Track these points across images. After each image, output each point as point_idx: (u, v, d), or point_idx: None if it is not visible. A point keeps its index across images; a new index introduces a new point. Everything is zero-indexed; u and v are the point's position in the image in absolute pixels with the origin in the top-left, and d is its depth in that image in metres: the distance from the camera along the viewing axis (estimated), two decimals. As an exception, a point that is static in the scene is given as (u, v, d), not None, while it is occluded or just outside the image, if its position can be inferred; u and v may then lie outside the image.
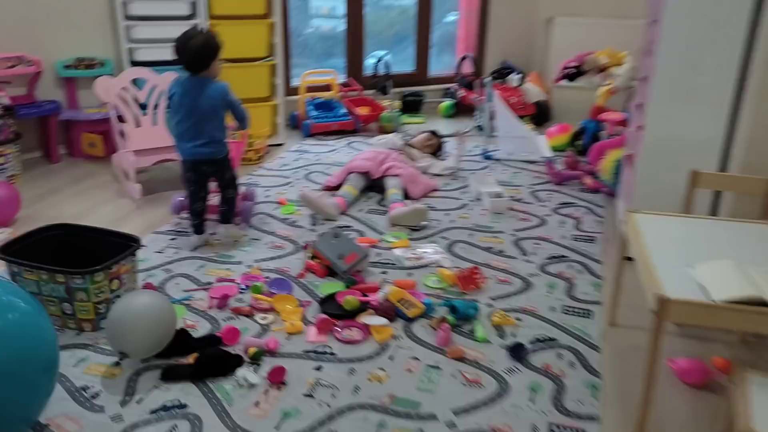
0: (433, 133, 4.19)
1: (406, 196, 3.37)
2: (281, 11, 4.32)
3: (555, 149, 4.29)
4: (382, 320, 2.23)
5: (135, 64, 3.82)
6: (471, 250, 2.85)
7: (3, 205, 2.95)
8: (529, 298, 2.44)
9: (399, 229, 3.04)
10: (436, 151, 4.12)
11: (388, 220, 3.11)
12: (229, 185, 2.85)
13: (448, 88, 5.49)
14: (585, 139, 4.15)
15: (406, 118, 5.03)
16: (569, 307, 2.38)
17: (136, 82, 3.53)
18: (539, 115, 4.98)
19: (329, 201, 3.16)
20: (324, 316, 2.23)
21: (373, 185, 3.48)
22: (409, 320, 2.26)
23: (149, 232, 2.97)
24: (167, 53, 3.82)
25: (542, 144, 4.27)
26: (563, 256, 2.80)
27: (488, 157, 4.16)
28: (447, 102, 5.32)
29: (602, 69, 4.97)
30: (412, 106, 5.24)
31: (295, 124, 4.82)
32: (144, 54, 3.83)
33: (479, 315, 2.29)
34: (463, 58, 5.04)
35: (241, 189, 3.30)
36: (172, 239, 2.89)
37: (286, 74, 4.83)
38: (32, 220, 3.06)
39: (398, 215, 3.07)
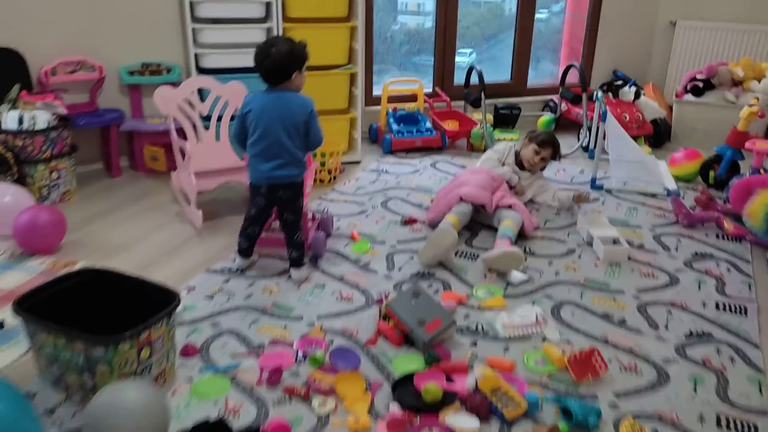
0: (544, 142, 3.23)
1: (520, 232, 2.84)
2: (364, 13, 3.87)
3: (679, 179, 3.61)
4: (473, 423, 1.72)
5: (202, 71, 3.46)
6: (583, 316, 2.28)
7: (46, 231, 2.63)
8: (668, 398, 1.85)
9: (492, 281, 2.51)
10: (553, 158, 3.30)
11: (482, 261, 2.59)
12: (295, 221, 2.46)
13: (549, 101, 4.85)
14: (720, 171, 3.45)
15: (498, 134, 4.45)
16: (725, 416, 1.78)
17: (201, 92, 3.17)
18: (656, 136, 4.26)
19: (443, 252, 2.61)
20: (397, 409, 1.75)
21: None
22: (507, 423, 1.73)
23: (203, 269, 2.58)
24: (236, 59, 3.50)
25: (663, 172, 3.60)
26: (707, 334, 2.17)
27: (597, 187, 3.53)
28: (546, 117, 4.68)
29: (737, 83, 4.22)
30: (505, 120, 4.63)
31: (374, 137, 4.35)
32: (212, 60, 3.47)
33: (602, 422, 1.74)
34: (569, 67, 4.39)
35: (316, 214, 2.88)
36: (226, 281, 2.48)
37: (367, 83, 4.37)
38: (78, 246, 2.76)
39: (490, 258, 2.55)
